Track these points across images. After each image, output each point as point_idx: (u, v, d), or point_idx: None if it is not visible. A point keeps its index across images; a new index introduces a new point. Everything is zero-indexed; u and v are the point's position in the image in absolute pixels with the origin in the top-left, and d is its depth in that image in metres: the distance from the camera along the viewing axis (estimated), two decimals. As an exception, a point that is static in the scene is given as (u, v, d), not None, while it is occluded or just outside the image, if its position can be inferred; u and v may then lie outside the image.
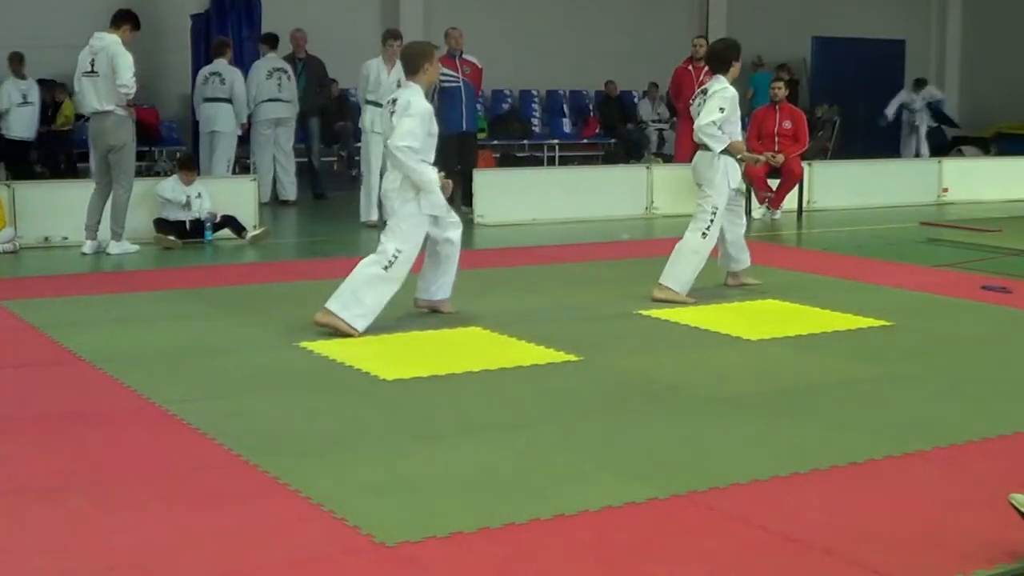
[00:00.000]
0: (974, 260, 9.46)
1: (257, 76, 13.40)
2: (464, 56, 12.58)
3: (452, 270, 6.96)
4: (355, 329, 6.39)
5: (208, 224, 10.39)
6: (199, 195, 10.43)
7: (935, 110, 19.68)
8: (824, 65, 19.55)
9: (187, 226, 10.30)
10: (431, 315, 6.96)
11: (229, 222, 10.49)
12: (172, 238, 10.11)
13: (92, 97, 9.65)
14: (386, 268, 6.48)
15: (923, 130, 19.58)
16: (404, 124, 6.46)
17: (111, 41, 9.59)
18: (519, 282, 8.33)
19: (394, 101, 6.63)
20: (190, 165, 10.81)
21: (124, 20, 9.74)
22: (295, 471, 4.12)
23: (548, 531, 3.61)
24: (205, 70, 13.22)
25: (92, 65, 9.60)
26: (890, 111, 19.14)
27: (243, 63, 13.83)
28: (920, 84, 19.62)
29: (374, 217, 11.66)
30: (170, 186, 10.41)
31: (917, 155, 19.01)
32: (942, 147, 19.37)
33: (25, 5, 15.15)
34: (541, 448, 4.49)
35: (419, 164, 6.48)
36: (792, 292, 7.85)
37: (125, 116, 9.70)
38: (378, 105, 11.65)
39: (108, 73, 9.50)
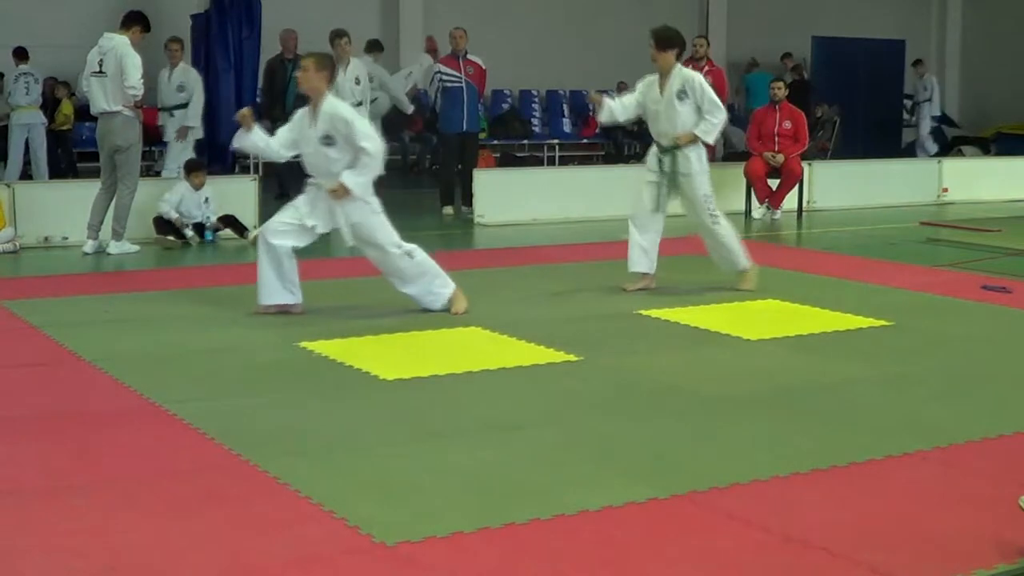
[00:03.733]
0: (974, 260, 9.45)
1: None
2: (468, 56, 12.57)
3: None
4: None
5: (208, 226, 10.38)
6: (206, 200, 10.39)
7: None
8: (824, 65, 19.55)
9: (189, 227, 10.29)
10: (431, 315, 6.96)
11: (230, 223, 10.48)
12: (172, 238, 10.10)
13: (100, 97, 9.67)
14: None
15: (926, 126, 19.45)
16: None
17: (120, 42, 9.62)
18: (519, 282, 8.32)
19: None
20: (198, 168, 10.71)
21: (135, 21, 9.77)
22: (295, 471, 4.12)
23: (548, 531, 3.61)
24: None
25: (100, 65, 9.63)
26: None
27: (243, 63, 13.79)
28: (918, 65, 19.61)
29: None
30: (180, 194, 10.26)
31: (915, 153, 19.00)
32: (942, 147, 19.36)
33: (26, 4, 15.14)
34: (541, 448, 4.49)
35: None
36: (792, 292, 7.85)
37: (132, 117, 9.73)
38: None
39: (116, 74, 9.53)
